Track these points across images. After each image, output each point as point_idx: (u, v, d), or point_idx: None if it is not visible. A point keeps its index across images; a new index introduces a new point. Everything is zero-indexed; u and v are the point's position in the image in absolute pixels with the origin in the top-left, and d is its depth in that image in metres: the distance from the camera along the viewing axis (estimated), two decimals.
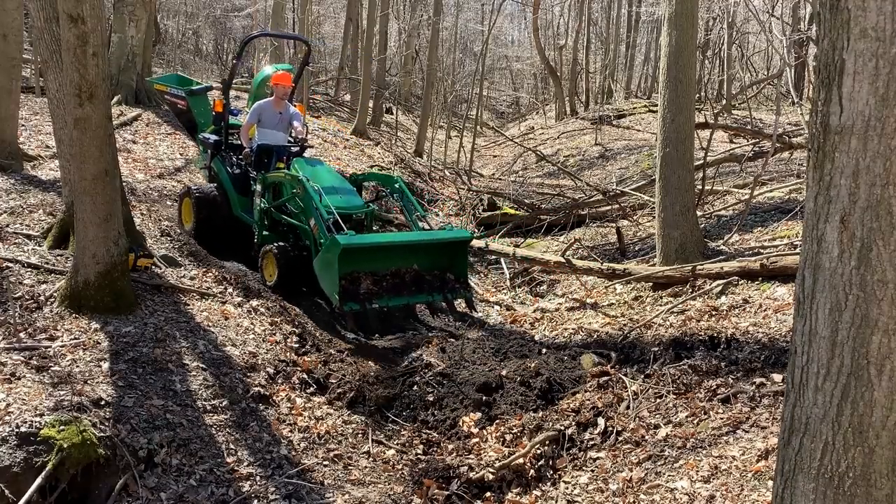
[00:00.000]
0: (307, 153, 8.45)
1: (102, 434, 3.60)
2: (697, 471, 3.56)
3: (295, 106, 8.45)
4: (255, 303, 5.95)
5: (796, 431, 2.19)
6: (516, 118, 36.22)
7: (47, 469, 3.30)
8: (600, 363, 5.12)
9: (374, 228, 7.52)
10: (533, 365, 5.10)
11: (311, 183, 6.77)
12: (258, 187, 7.48)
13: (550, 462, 4.13)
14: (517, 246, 9.78)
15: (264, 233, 7.46)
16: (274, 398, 4.68)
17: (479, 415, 4.73)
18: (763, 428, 3.79)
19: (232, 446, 4.05)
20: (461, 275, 6.96)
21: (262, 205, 7.43)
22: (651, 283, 7.04)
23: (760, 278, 6.08)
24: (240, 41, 9.71)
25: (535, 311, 7.62)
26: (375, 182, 8.35)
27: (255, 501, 3.71)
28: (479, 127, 21.70)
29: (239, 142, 8.27)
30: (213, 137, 8.38)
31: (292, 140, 8.23)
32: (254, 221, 7.63)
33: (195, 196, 7.86)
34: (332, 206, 6.55)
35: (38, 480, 3.26)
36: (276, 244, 7.04)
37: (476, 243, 8.63)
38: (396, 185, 7.58)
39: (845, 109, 2.00)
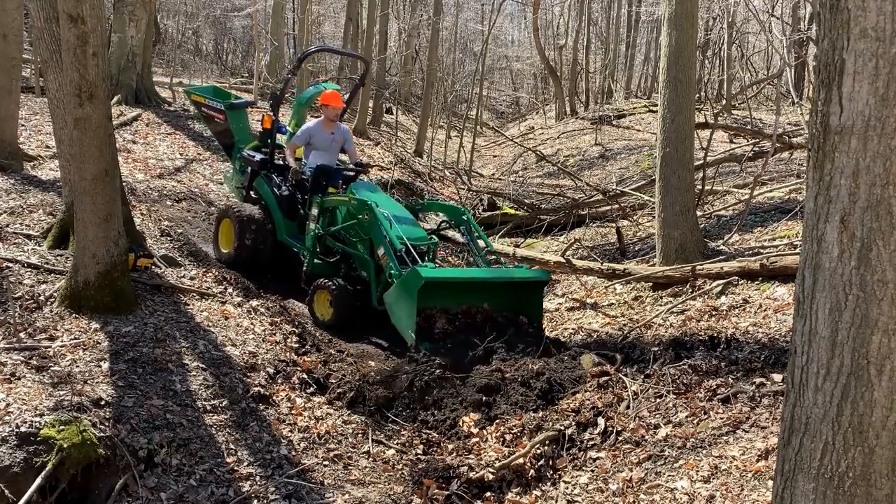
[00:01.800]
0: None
1: (102, 434, 3.60)
2: (697, 471, 3.56)
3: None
4: (255, 303, 5.95)
5: (796, 431, 2.20)
6: (516, 118, 36.23)
7: (47, 469, 3.30)
8: (600, 363, 5.12)
9: (436, 262, 6.99)
10: (534, 365, 5.09)
11: (381, 209, 6.37)
12: (314, 211, 6.98)
13: (550, 462, 4.13)
14: (517, 246, 9.78)
15: (315, 261, 6.97)
16: (274, 398, 4.68)
17: (478, 415, 4.73)
18: (763, 428, 3.79)
19: (232, 446, 4.05)
20: (536, 318, 6.29)
21: (317, 230, 6.92)
22: (651, 283, 7.04)
23: (760, 278, 6.09)
24: (297, 56, 9.00)
25: None
26: (439, 212, 7.66)
27: (255, 501, 3.71)
28: (479, 127, 21.70)
29: (283, 161, 7.75)
30: (258, 156, 7.80)
31: (340, 163, 7.77)
32: (302, 248, 7.15)
33: (238, 218, 7.24)
34: (403, 236, 6.18)
35: (38, 480, 3.26)
36: (333, 280, 6.57)
37: None
38: (464, 217, 7.01)
39: (845, 109, 2.00)
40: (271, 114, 7.93)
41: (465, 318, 5.98)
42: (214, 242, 7.49)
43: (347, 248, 6.76)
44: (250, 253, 7.15)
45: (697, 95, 16.24)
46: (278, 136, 8.08)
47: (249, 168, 7.85)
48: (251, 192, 7.85)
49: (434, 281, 5.71)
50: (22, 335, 4.44)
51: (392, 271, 6.01)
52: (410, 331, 5.62)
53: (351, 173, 7.60)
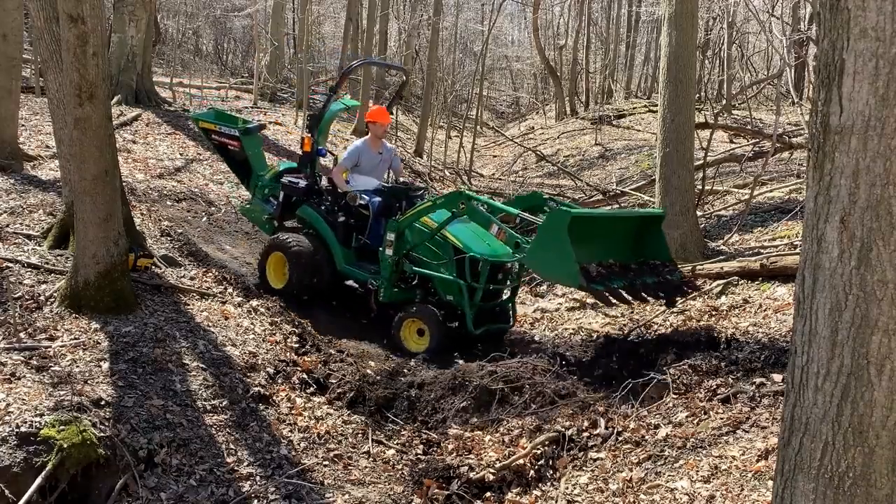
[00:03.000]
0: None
1: (102, 434, 3.59)
2: (697, 471, 3.56)
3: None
4: (255, 303, 5.95)
5: (796, 431, 2.19)
6: (516, 118, 36.23)
7: (47, 469, 3.30)
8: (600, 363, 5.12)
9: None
10: (535, 365, 5.09)
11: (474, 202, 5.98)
12: (389, 236, 6.44)
13: (550, 462, 4.13)
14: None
15: (393, 289, 6.51)
16: (274, 398, 4.68)
17: (479, 415, 4.74)
18: (763, 428, 3.79)
19: (232, 446, 4.05)
20: (665, 257, 5.85)
21: (394, 256, 6.43)
22: None
23: (760, 278, 6.09)
24: (340, 70, 8.08)
25: (535, 311, 7.61)
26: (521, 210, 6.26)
27: (255, 501, 3.71)
28: (479, 127, 21.70)
29: (326, 185, 7.31)
30: (302, 182, 7.26)
31: (386, 184, 7.36)
32: (368, 276, 6.64)
33: (292, 250, 6.74)
34: (479, 251, 5.93)
35: (38, 480, 3.26)
36: (420, 307, 6.23)
37: None
38: (545, 198, 6.40)
39: (845, 109, 2.00)
40: (310, 136, 7.40)
41: (600, 267, 5.48)
42: (262, 278, 7.02)
43: (429, 272, 6.32)
44: (307, 287, 6.75)
45: (697, 95, 16.23)
46: (325, 158, 7.64)
47: (286, 195, 7.29)
48: (285, 222, 7.38)
49: (582, 216, 5.39)
50: (22, 335, 4.44)
51: (517, 240, 5.67)
52: (574, 273, 5.08)
53: (418, 193, 7.19)
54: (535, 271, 5.76)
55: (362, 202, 6.87)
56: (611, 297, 5.22)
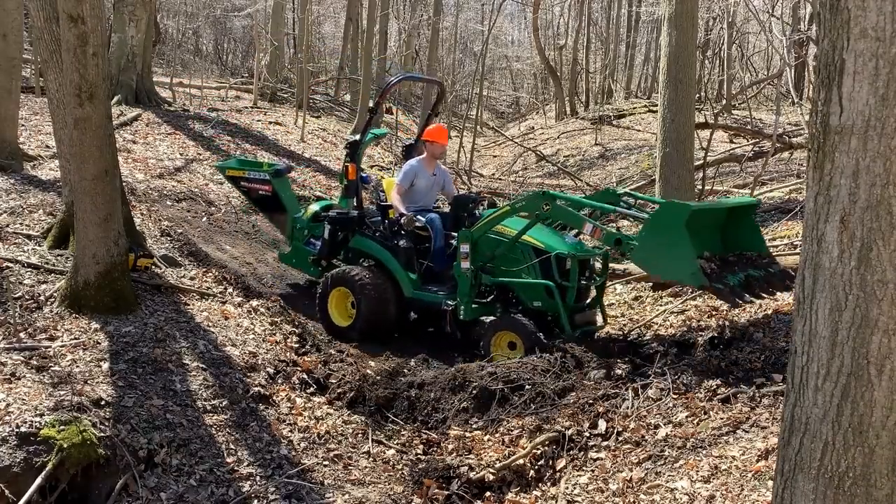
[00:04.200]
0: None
1: (102, 434, 3.60)
2: (697, 471, 3.56)
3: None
4: (255, 303, 5.95)
5: (796, 431, 2.19)
6: (516, 118, 36.26)
7: (47, 469, 3.30)
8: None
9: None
10: (535, 365, 5.09)
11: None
12: (464, 248, 6.07)
13: (550, 462, 4.13)
14: None
15: (473, 306, 6.12)
16: (274, 398, 4.68)
17: (479, 415, 4.74)
18: (763, 428, 3.79)
19: (232, 446, 4.05)
20: (761, 247, 5.47)
21: (471, 269, 6.05)
22: (651, 283, 7.04)
23: None
24: (379, 89, 7.58)
25: None
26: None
27: (255, 501, 3.71)
28: (479, 127, 21.70)
29: (375, 212, 7.07)
30: (352, 212, 6.98)
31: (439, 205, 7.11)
32: (442, 297, 6.29)
33: (358, 282, 6.41)
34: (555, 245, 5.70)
35: (38, 480, 3.26)
36: (507, 318, 5.83)
37: None
38: (617, 193, 6.19)
39: (845, 109, 2.00)
40: (353, 163, 7.12)
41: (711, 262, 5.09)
42: (323, 317, 6.66)
43: (511, 280, 5.99)
44: (378, 319, 6.41)
45: (697, 95, 16.24)
46: (368, 186, 7.36)
47: (333, 230, 7.01)
48: (333, 258, 7.12)
49: (701, 210, 5.07)
50: (22, 335, 4.44)
51: (618, 237, 5.34)
52: (695, 272, 4.79)
53: (481, 201, 6.91)
54: (645, 269, 5.46)
55: (419, 224, 6.58)
56: (737, 299, 4.85)
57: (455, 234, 6.33)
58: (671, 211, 4.92)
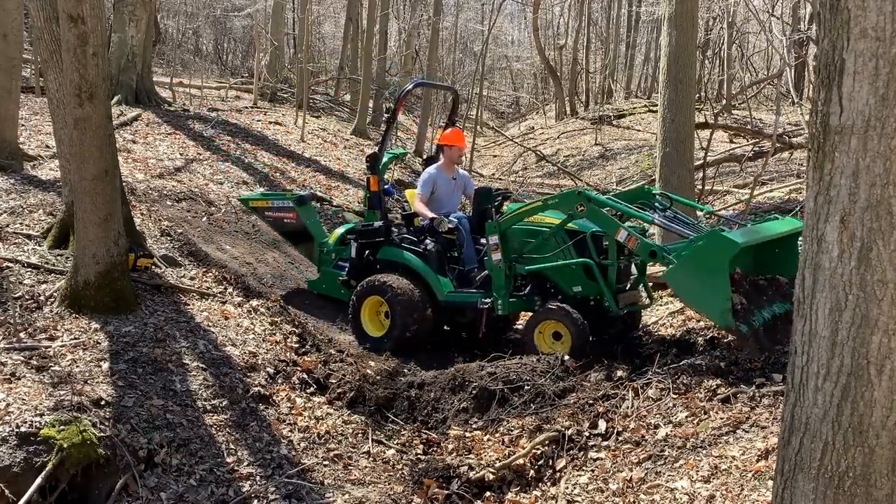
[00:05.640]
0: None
1: (102, 434, 3.60)
2: (697, 471, 3.56)
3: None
4: (255, 303, 5.95)
5: (796, 431, 2.20)
6: (516, 118, 36.27)
7: (47, 469, 3.30)
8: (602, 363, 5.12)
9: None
10: (535, 365, 5.09)
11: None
12: (493, 239, 5.96)
13: (550, 462, 4.13)
14: None
15: (510, 300, 6.00)
16: (274, 398, 4.68)
17: (479, 415, 4.74)
18: (763, 428, 3.79)
19: (232, 446, 4.05)
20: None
21: (505, 260, 5.95)
22: (651, 283, 7.03)
23: None
24: (395, 96, 7.39)
25: None
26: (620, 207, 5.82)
27: (255, 501, 3.71)
28: (479, 127, 21.71)
29: (400, 221, 7.07)
30: (377, 223, 6.84)
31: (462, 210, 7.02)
32: (476, 296, 6.16)
33: (391, 289, 6.27)
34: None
35: (38, 480, 3.26)
36: (559, 308, 5.59)
37: None
38: (653, 192, 6.05)
39: (845, 109, 2.00)
40: (374, 174, 7.00)
41: (741, 295, 4.92)
42: (356, 328, 6.56)
43: (547, 266, 5.82)
44: (413, 326, 6.26)
45: (697, 95, 16.24)
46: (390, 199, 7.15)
47: (360, 246, 6.88)
48: (363, 278, 6.78)
49: (749, 245, 4.82)
50: (22, 335, 4.44)
51: (653, 249, 5.24)
52: (725, 312, 4.61)
53: (501, 194, 6.80)
54: (673, 289, 5.29)
55: (451, 225, 6.48)
56: (758, 347, 4.61)
57: (481, 236, 6.27)
58: (718, 244, 4.69)
